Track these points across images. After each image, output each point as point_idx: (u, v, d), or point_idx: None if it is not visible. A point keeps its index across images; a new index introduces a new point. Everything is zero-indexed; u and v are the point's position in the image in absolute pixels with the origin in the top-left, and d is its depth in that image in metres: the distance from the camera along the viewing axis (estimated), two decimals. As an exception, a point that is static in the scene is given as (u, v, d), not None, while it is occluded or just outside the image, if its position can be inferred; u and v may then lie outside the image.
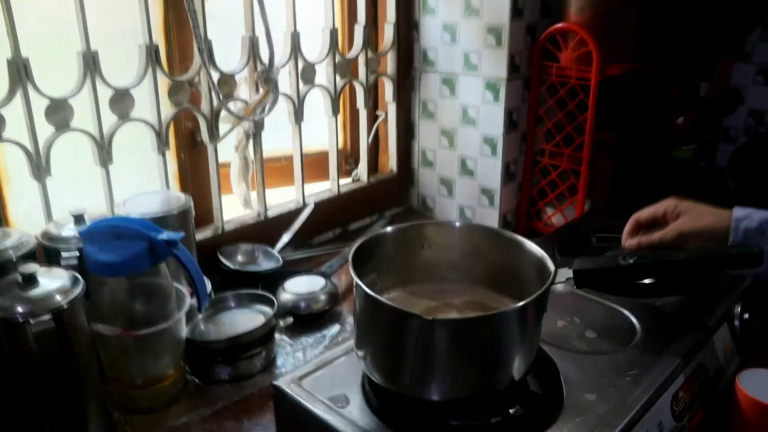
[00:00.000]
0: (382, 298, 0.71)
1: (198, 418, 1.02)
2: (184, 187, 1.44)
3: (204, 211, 1.43)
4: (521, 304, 0.72)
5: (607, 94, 1.50)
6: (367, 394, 0.83)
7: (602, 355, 0.94)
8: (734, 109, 2.05)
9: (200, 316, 1.18)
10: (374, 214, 1.76)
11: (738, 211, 0.86)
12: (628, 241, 0.96)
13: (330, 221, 1.66)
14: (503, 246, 0.90)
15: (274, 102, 1.36)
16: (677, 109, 1.78)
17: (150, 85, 1.22)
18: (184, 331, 1.07)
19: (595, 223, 1.41)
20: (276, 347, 1.19)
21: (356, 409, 0.82)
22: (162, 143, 1.26)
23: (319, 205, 1.60)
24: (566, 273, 0.78)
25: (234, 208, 1.53)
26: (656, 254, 0.77)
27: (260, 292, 1.22)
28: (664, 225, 0.92)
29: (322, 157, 1.66)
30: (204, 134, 1.34)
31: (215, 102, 1.31)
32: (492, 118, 1.59)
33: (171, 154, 1.40)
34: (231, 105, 1.37)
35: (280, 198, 1.60)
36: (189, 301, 1.07)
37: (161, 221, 1.14)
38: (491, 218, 1.66)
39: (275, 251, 1.44)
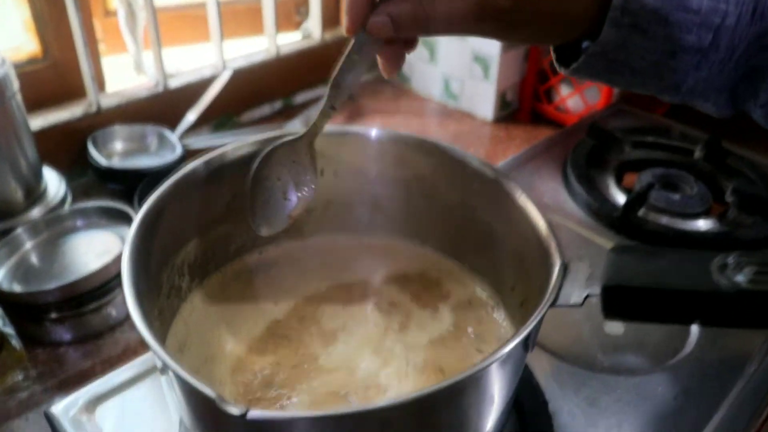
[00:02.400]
0: (168, 359, 0.31)
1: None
2: (44, 44, 0.99)
3: (78, 80, 1.00)
4: (470, 374, 0.32)
5: None
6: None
7: (630, 377, 0.55)
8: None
9: (27, 245, 0.79)
10: (328, 81, 1.31)
11: None
12: (373, 18, 0.42)
13: (266, 92, 1.22)
14: (471, 186, 0.49)
15: None
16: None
17: None
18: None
19: (627, 117, 0.98)
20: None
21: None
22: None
23: (251, 71, 1.16)
24: (585, 275, 0.37)
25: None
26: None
27: (117, 205, 0.81)
28: None
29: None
30: (54, -38, 0.89)
31: None
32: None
33: (18, -8, 0.95)
34: None
35: (204, 60, 1.15)
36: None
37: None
38: (485, 95, 1.22)
39: (175, 136, 1.02)
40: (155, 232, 0.40)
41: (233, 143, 0.47)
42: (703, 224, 0.78)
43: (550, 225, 0.40)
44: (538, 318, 0.34)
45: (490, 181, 0.46)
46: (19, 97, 0.80)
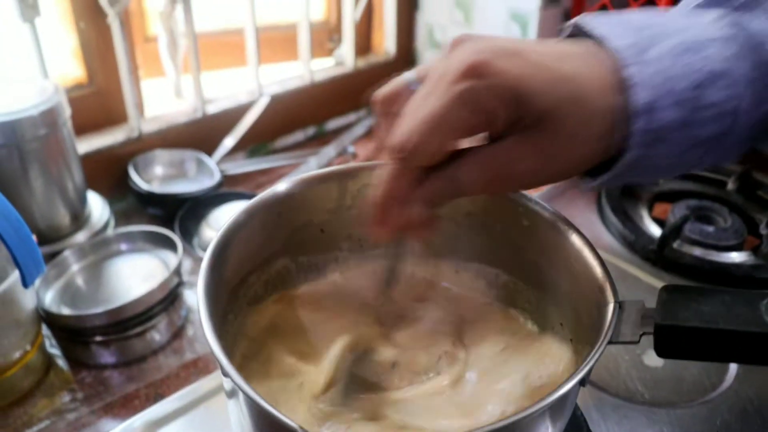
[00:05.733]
0: (246, 386, 0.32)
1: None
2: (90, 71, 1.02)
3: (120, 106, 1.03)
4: (534, 409, 0.33)
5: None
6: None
7: (671, 410, 0.56)
8: None
9: (74, 267, 0.82)
10: (361, 108, 1.34)
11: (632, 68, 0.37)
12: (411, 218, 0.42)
13: (300, 118, 1.25)
14: (521, 224, 0.50)
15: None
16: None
17: None
18: (27, 297, 0.71)
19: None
20: (187, 311, 0.83)
21: None
22: (28, 5, 0.84)
23: (285, 97, 1.18)
24: (639, 313, 0.38)
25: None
26: None
27: (161, 230, 0.83)
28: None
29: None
30: (101, -5, 0.92)
31: (111, -55, 0.88)
32: (525, -15, 1.14)
33: (67, 24, 0.98)
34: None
35: (240, 86, 1.18)
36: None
37: (8, 128, 0.76)
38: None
39: (213, 162, 1.05)
40: (225, 262, 0.41)
41: (298, 176, 0.48)
42: (737, 257, 0.79)
43: (605, 266, 0.41)
44: (598, 354, 0.36)
45: (544, 221, 0.47)
46: (70, 123, 0.83)
